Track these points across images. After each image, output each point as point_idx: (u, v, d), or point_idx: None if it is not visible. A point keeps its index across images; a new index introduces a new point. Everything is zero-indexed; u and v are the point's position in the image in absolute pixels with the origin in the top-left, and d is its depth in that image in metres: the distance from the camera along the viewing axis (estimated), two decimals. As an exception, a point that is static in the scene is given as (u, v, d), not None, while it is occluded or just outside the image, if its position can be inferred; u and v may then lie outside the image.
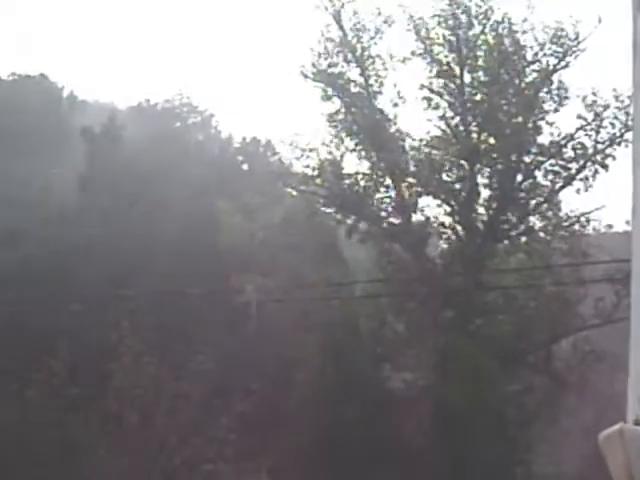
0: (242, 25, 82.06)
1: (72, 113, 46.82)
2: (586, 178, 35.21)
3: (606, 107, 34.74)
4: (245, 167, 45.23)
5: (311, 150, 36.10)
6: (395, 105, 36.00)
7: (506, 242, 36.36)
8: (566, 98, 35.25)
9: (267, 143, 47.09)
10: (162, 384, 34.65)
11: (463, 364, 32.97)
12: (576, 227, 36.12)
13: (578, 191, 35.11)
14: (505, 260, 36.15)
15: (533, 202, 36.20)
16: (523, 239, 36.16)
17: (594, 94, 34.97)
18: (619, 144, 34.85)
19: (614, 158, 34.86)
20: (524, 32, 34.92)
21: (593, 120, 35.10)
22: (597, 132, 35.09)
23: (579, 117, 35.20)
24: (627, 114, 34.40)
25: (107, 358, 33.38)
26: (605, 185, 35.79)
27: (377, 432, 34.12)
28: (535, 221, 36.55)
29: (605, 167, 34.68)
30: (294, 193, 39.57)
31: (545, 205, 36.26)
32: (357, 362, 35.20)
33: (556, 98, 35.63)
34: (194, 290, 36.37)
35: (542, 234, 36.23)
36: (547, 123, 35.76)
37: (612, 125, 34.86)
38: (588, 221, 35.88)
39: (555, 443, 36.01)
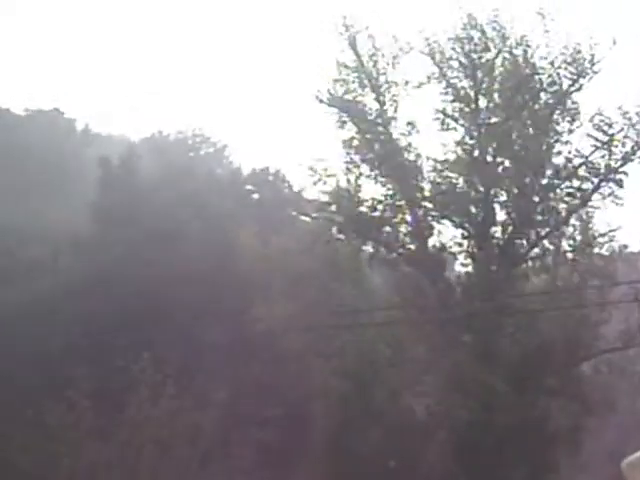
0: (256, 52, 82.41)
1: (86, 146, 47.05)
2: (603, 197, 35.18)
3: (613, 125, 34.76)
4: (259, 196, 45.21)
5: (327, 176, 36.08)
6: (410, 131, 36.02)
7: (524, 265, 36.17)
8: (582, 121, 35.29)
9: (279, 172, 47.14)
10: (181, 414, 34.52)
11: (483, 389, 32.76)
12: (595, 248, 36.10)
13: (596, 210, 35.15)
14: (523, 283, 36.01)
15: (549, 224, 36.05)
16: (541, 261, 35.98)
17: (600, 114, 35.00)
18: (632, 161, 34.87)
19: (627, 175, 34.93)
20: (541, 58, 35.00)
21: (606, 140, 35.07)
22: (609, 151, 35.06)
23: (589, 136, 35.22)
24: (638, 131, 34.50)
25: (127, 388, 33.30)
26: (618, 205, 35.70)
27: (398, 458, 33.92)
28: (552, 243, 36.46)
29: (621, 185, 34.67)
30: (309, 220, 39.51)
31: (562, 227, 36.18)
32: (376, 389, 34.99)
33: (570, 119, 35.64)
34: (211, 319, 36.36)
35: (560, 256, 36.13)
36: (562, 144, 35.77)
37: (623, 144, 34.87)
38: (610, 241, 35.88)
39: (577, 467, 35.77)
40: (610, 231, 35.73)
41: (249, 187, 46.34)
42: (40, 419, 33.10)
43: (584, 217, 36.44)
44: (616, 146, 34.81)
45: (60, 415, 33.56)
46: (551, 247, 36.42)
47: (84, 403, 33.80)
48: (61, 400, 33.51)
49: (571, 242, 36.23)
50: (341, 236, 37.46)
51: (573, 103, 35.53)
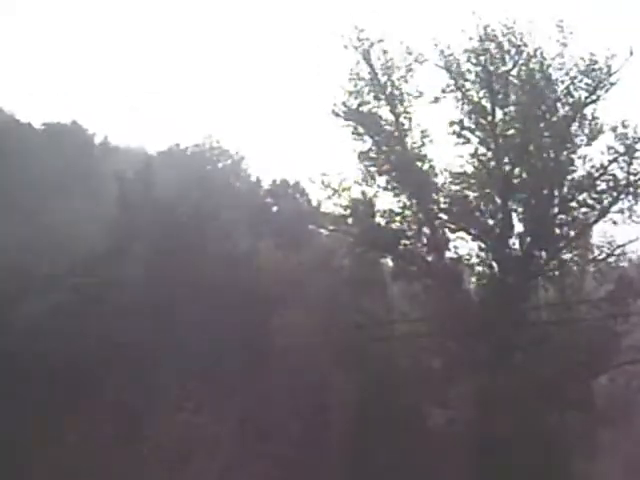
0: (271, 66, 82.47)
1: (104, 159, 47.12)
2: (621, 211, 35.04)
3: (637, 140, 34.62)
4: (276, 209, 45.15)
5: (343, 189, 36.12)
6: (426, 143, 36.01)
7: (542, 276, 36.01)
8: (600, 133, 35.13)
9: (297, 184, 47.02)
10: (200, 427, 34.57)
11: (503, 400, 32.70)
12: (612, 259, 35.98)
13: (615, 223, 34.98)
14: (542, 294, 35.91)
15: (568, 236, 35.92)
16: (559, 273, 35.84)
17: (624, 126, 34.86)
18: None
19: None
20: (557, 69, 34.95)
21: (625, 152, 34.93)
22: (629, 164, 34.93)
23: (610, 149, 35.07)
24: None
25: (147, 402, 33.38)
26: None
27: (418, 470, 33.82)
28: (570, 255, 36.38)
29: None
30: (326, 233, 39.57)
31: (580, 238, 36.06)
32: (397, 400, 34.94)
33: (587, 131, 35.52)
34: (230, 333, 36.30)
35: (576, 267, 36.03)
36: (579, 157, 35.65)
37: None
38: (624, 253, 35.80)
39: (597, 478, 35.57)
40: (622, 245, 35.65)
41: (268, 200, 46.29)
42: (59, 433, 33.23)
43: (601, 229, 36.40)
44: (637, 158, 34.71)
45: (79, 429, 33.68)
46: (569, 258, 36.37)
47: (104, 416, 33.96)
48: (80, 414, 33.65)
49: (586, 253, 36.10)
50: (358, 249, 37.52)
51: (591, 116, 35.45)
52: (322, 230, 39.64)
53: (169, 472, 34.21)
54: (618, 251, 36.05)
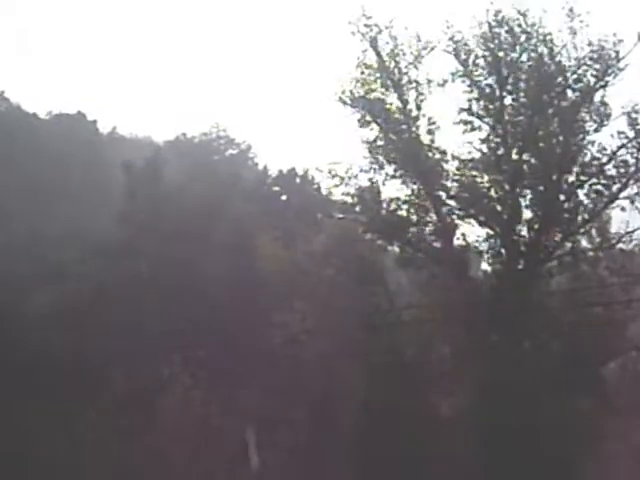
0: (278, 54, 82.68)
1: (111, 149, 47.20)
2: (628, 197, 34.88)
3: None
4: (284, 197, 45.06)
5: (350, 177, 36.02)
6: (434, 130, 35.84)
7: (550, 263, 35.89)
8: (607, 116, 34.95)
9: (305, 173, 46.95)
10: (209, 417, 34.61)
11: (510, 388, 32.60)
12: (620, 246, 35.79)
13: (623, 209, 34.77)
14: (550, 281, 35.77)
15: (576, 222, 35.77)
16: (568, 259, 35.70)
17: (635, 111, 34.68)
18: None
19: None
20: (567, 56, 34.74)
21: (634, 137, 34.74)
22: (639, 149, 34.75)
23: (620, 134, 34.91)
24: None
25: (158, 392, 33.37)
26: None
27: (425, 458, 33.80)
28: (579, 241, 36.25)
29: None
30: (334, 222, 39.42)
31: (588, 225, 35.92)
32: (404, 390, 34.88)
33: (596, 117, 35.35)
34: (238, 323, 36.31)
35: (587, 254, 35.89)
36: (588, 142, 35.48)
37: None
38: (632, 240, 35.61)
39: (605, 467, 35.46)
40: (631, 232, 35.46)
41: (276, 189, 46.20)
42: (68, 426, 33.28)
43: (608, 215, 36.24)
44: None
45: (88, 421, 33.75)
46: (577, 244, 36.23)
47: (112, 408, 34.00)
48: (89, 406, 33.70)
49: (595, 240, 35.98)
50: (366, 237, 37.43)
51: (601, 101, 35.24)
52: (331, 219, 39.46)
53: (178, 464, 34.28)
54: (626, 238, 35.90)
